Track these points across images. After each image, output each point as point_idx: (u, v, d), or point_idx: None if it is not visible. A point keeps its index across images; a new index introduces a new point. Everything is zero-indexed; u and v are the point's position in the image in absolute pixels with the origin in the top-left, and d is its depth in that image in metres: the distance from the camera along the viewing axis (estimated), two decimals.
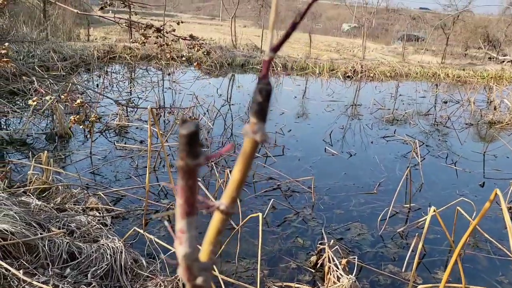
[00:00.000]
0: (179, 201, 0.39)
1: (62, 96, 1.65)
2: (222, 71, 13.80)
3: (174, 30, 1.89)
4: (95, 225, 3.59)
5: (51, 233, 3.15)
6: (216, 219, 0.45)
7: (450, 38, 20.38)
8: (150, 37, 1.92)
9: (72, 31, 13.48)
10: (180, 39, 1.87)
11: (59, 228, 3.45)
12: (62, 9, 11.41)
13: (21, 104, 7.13)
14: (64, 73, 9.46)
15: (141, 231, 3.31)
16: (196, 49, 1.79)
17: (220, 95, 10.07)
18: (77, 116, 1.53)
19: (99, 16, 2.07)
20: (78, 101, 1.52)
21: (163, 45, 1.92)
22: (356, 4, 28.72)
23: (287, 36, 0.53)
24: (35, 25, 10.90)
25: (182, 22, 2.13)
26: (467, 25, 22.07)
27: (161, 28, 1.87)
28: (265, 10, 18.84)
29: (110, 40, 14.69)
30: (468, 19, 22.17)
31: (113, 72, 11.53)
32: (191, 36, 1.81)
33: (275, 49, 0.52)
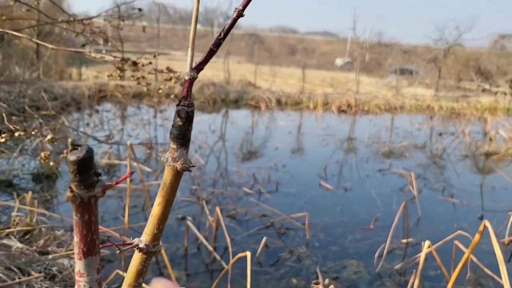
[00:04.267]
0: (75, 239, 0.34)
1: (33, 133, 1.56)
2: (216, 107, 13.84)
3: (151, 63, 1.83)
4: None
5: (29, 277, 2.99)
6: (136, 259, 0.42)
7: (442, 71, 20.66)
8: (126, 70, 1.86)
9: (64, 71, 13.59)
10: (157, 71, 1.81)
11: (39, 272, 3.29)
12: (54, 50, 11.54)
13: (10, 144, 7.04)
14: (55, 113, 9.45)
15: (124, 274, 3.14)
16: (173, 81, 1.73)
17: (214, 131, 10.03)
18: (47, 153, 1.46)
19: (75, 51, 2.03)
20: (49, 137, 1.45)
21: (139, 78, 1.85)
22: (348, 39, 29.29)
23: (210, 54, 0.46)
24: (28, 65, 10.99)
25: (158, 55, 2.08)
26: (458, 58, 22.42)
27: (137, 61, 1.81)
28: (258, 46, 19.14)
29: (102, 79, 14.77)
30: (458, 52, 22.55)
31: (105, 111, 11.54)
32: (168, 69, 1.75)
33: (198, 68, 0.45)
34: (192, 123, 0.40)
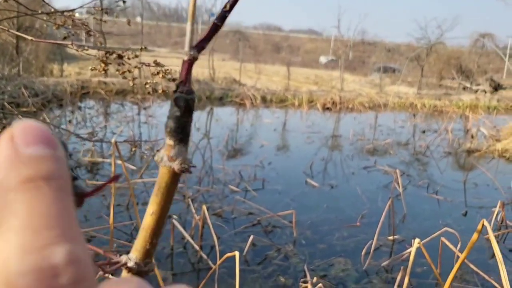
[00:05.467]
0: None
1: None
2: (200, 104, 13.72)
3: (137, 56, 1.75)
4: None
5: None
6: None
7: (424, 69, 20.88)
8: (111, 64, 1.78)
9: (45, 67, 13.32)
10: (144, 65, 1.74)
11: None
12: (35, 45, 11.31)
13: None
14: (35, 109, 9.25)
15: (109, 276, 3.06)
16: (161, 76, 1.65)
17: (198, 128, 9.94)
18: None
19: (56, 43, 1.94)
20: None
21: (125, 72, 1.77)
22: (332, 37, 29.40)
23: (214, 30, 0.38)
24: (7, 61, 10.73)
25: (146, 48, 2.00)
26: (440, 57, 22.68)
27: (123, 54, 1.73)
28: (243, 43, 19.07)
29: (85, 75, 14.50)
30: (440, 50, 22.81)
31: (87, 108, 11.35)
32: (155, 62, 1.67)
33: (198, 46, 0.37)
34: (192, 113, 0.32)
